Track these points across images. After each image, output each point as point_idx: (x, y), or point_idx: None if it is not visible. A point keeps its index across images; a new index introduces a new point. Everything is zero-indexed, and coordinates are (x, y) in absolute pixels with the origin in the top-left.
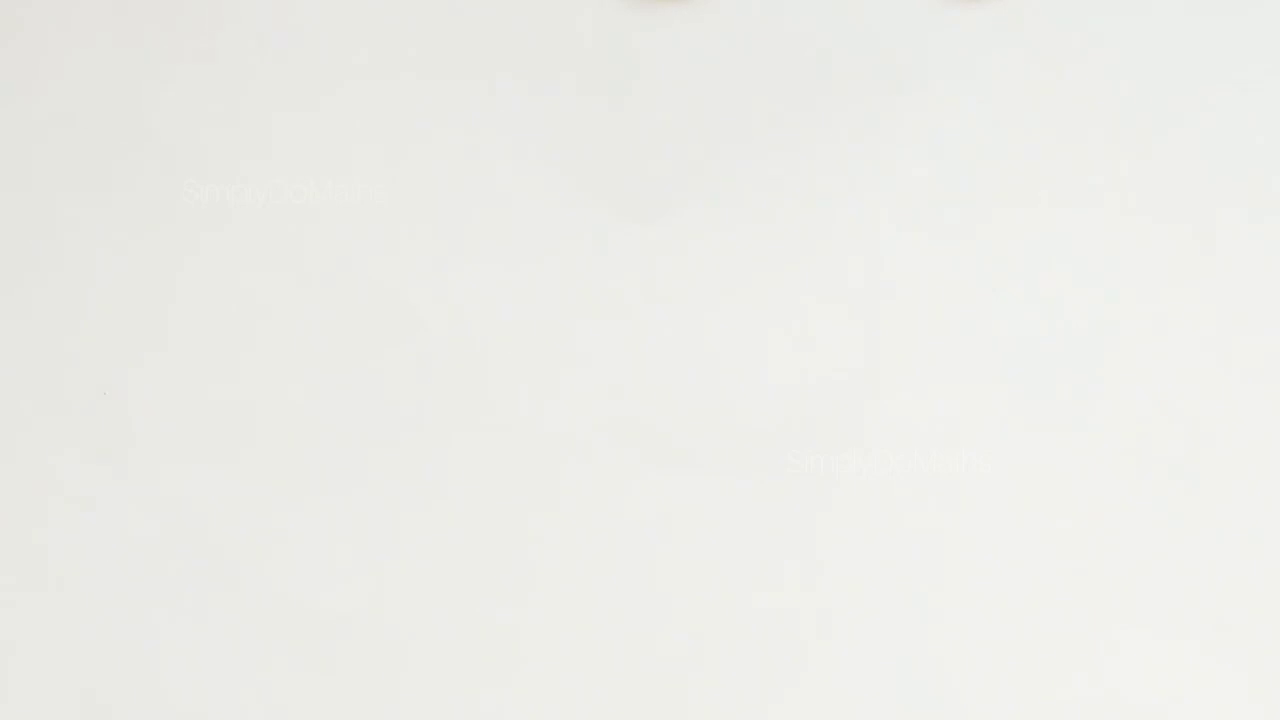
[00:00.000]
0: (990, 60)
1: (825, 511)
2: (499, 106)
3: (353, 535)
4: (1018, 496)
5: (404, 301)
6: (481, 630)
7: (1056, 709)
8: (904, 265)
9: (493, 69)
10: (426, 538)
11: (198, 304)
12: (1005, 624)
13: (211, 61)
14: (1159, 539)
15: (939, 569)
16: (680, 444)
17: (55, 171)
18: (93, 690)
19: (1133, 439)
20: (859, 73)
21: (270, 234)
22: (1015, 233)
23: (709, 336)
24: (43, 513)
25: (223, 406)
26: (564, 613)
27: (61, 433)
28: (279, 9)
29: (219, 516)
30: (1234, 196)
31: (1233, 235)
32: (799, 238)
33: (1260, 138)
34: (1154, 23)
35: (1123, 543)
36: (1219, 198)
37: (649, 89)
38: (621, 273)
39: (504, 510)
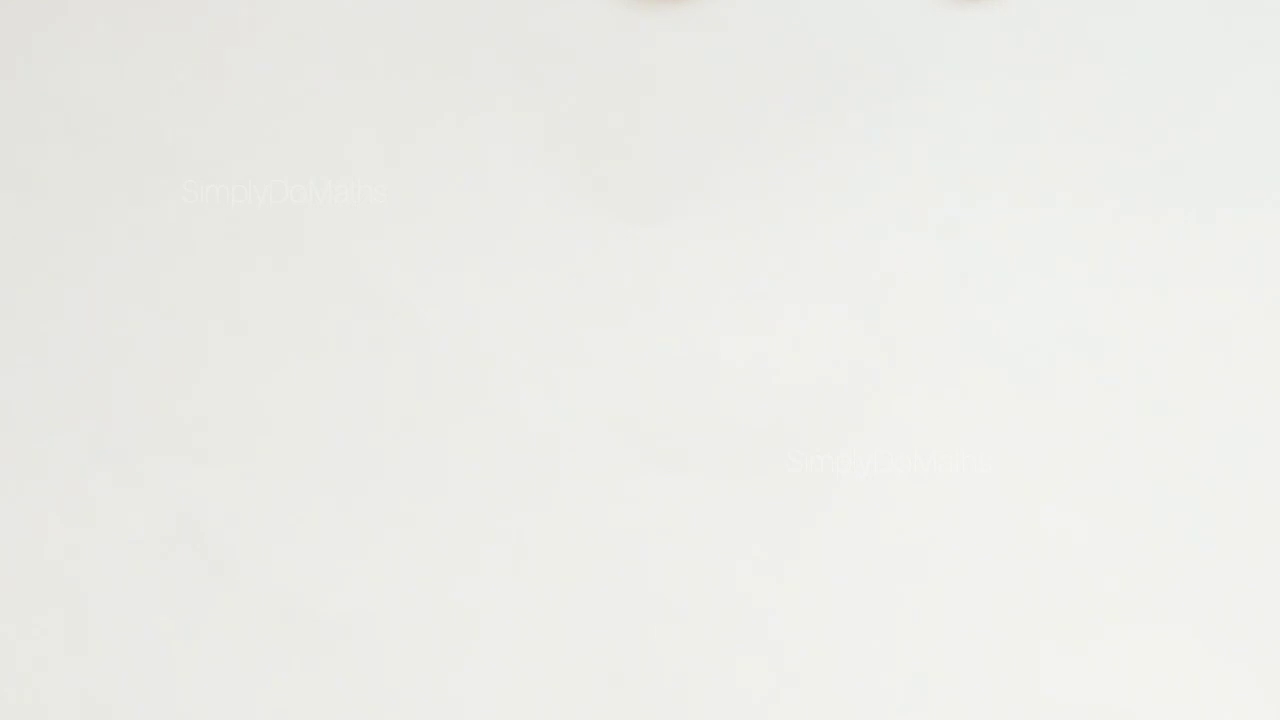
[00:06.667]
0: (992, 61)
1: (825, 511)
2: (498, 107)
3: (351, 536)
4: (1018, 497)
5: (402, 302)
6: (482, 630)
7: (1058, 709)
8: (904, 265)
9: (492, 69)
10: (424, 539)
11: (197, 304)
12: (1006, 625)
13: (211, 61)
14: (1160, 539)
15: (940, 570)
16: (681, 444)
17: (54, 171)
18: (93, 690)
19: (1133, 439)
20: (860, 73)
21: (270, 234)
22: (1016, 233)
23: (709, 337)
24: (43, 513)
25: (221, 406)
26: (564, 612)
27: (61, 433)
28: (279, 8)
29: (219, 516)
30: (1238, 197)
31: (1236, 236)
32: (799, 238)
33: (1263, 138)
34: (1156, 23)
35: (1125, 543)
36: (1222, 198)
37: (649, 89)
38: (621, 273)
39: (503, 510)
